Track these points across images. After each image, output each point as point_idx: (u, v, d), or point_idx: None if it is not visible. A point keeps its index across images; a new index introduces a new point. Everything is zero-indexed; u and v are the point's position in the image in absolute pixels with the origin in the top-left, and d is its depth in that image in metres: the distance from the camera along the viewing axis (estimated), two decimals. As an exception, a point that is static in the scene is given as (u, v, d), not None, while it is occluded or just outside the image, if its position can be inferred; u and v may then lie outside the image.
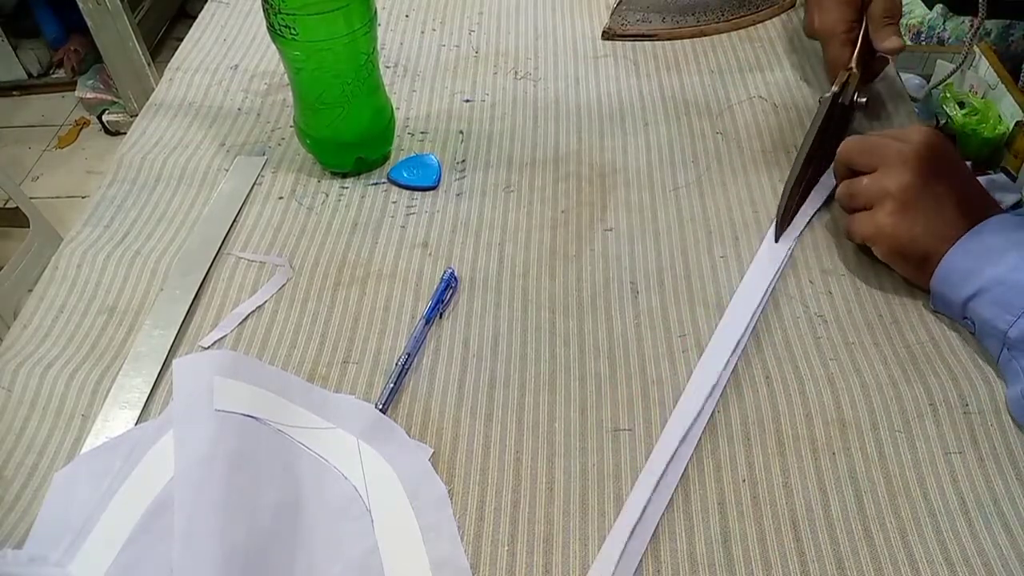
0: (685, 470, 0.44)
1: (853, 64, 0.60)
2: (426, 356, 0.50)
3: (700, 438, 0.45)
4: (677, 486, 0.43)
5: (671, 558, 0.41)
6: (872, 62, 0.63)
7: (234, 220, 0.59)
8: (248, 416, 0.43)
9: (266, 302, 0.53)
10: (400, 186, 0.61)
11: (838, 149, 0.54)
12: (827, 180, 0.58)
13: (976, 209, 0.49)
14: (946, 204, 0.49)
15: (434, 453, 0.45)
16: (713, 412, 0.46)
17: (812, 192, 0.58)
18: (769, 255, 0.54)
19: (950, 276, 0.47)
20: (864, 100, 0.59)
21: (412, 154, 0.63)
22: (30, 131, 2.04)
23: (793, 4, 0.73)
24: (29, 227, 1.48)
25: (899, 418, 0.45)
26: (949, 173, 0.50)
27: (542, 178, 0.61)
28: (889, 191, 0.49)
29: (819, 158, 0.58)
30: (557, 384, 0.48)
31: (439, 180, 0.61)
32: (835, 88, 0.59)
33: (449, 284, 0.53)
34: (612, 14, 0.76)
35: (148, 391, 0.48)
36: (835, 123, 0.59)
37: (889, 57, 0.63)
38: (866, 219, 0.51)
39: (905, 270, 0.51)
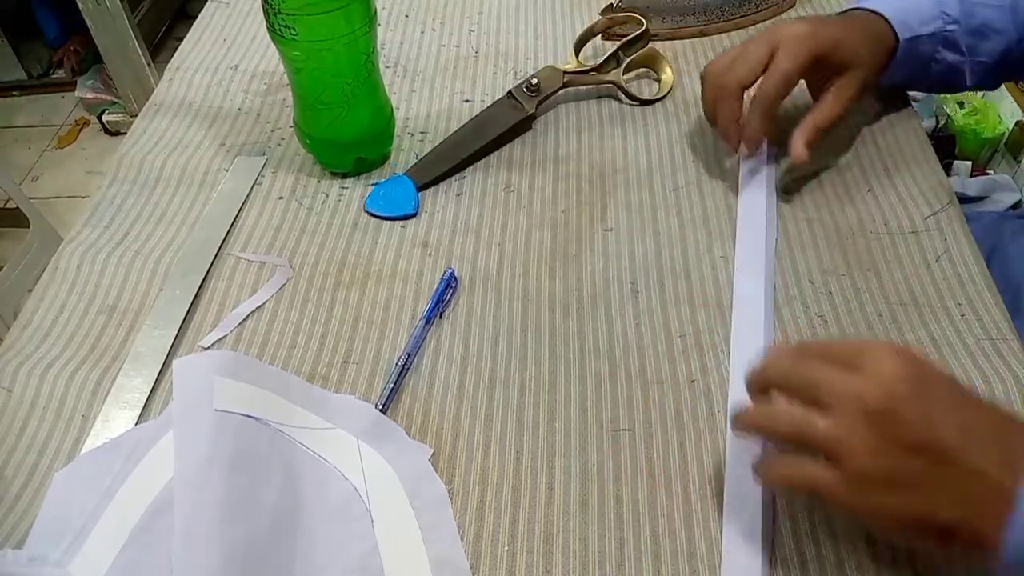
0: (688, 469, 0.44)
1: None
2: (426, 356, 0.50)
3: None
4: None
5: (671, 558, 0.41)
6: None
7: (234, 220, 0.59)
8: (248, 416, 0.43)
9: (266, 302, 0.53)
10: (379, 217, 0.58)
11: (760, 365, 0.38)
12: None
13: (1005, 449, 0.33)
14: (959, 452, 0.33)
15: (434, 453, 0.45)
16: (714, 412, 0.46)
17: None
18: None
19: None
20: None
21: (392, 175, 0.60)
22: (30, 131, 2.04)
23: (793, 4, 0.73)
24: (29, 227, 1.48)
25: (899, 418, 0.45)
26: (942, 409, 0.34)
27: (542, 178, 0.61)
28: (855, 453, 0.33)
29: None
30: (557, 384, 0.48)
31: (418, 207, 0.58)
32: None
33: (449, 284, 0.52)
34: (612, 14, 0.75)
35: (148, 391, 0.48)
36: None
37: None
38: (825, 474, 0.34)
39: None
